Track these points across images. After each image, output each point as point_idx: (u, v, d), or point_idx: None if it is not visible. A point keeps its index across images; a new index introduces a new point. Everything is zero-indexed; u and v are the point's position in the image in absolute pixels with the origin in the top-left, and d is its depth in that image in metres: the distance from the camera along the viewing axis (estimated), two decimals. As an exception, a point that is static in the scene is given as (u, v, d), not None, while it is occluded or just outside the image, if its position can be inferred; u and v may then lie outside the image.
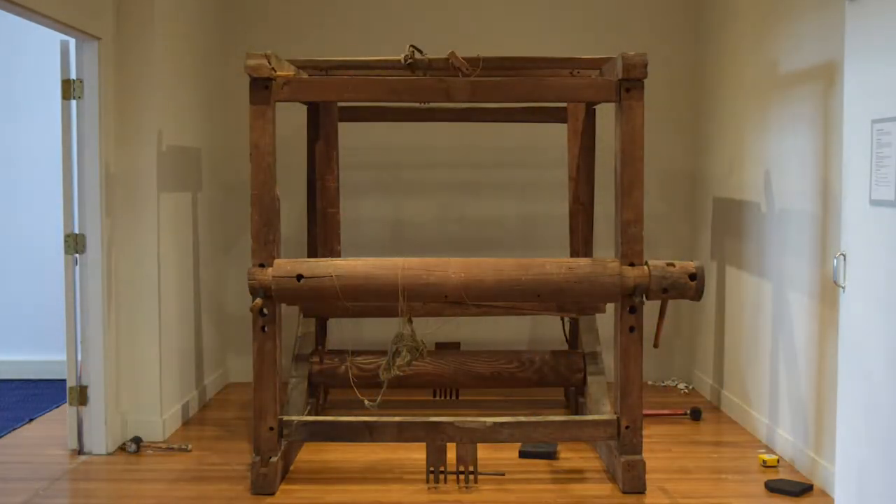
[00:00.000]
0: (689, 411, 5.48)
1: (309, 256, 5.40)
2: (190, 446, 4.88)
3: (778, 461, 4.62)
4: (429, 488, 4.28)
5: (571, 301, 4.94)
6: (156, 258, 4.97)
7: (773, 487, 4.27)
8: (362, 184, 6.27)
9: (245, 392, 5.84)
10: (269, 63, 4.15)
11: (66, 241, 4.75)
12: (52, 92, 4.97)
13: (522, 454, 4.70)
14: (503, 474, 4.46)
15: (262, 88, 4.17)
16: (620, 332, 4.21)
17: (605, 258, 4.33)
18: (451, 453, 4.32)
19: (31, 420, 5.47)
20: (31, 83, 6.53)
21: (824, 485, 4.24)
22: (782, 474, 4.47)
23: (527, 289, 4.18)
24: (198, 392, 5.71)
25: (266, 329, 4.20)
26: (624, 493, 4.22)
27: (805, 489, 4.24)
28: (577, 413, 5.32)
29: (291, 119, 5.59)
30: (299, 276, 4.17)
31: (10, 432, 5.23)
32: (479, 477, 4.33)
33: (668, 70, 6.16)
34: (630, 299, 4.17)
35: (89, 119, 4.71)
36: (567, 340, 5.59)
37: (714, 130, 5.93)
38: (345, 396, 5.27)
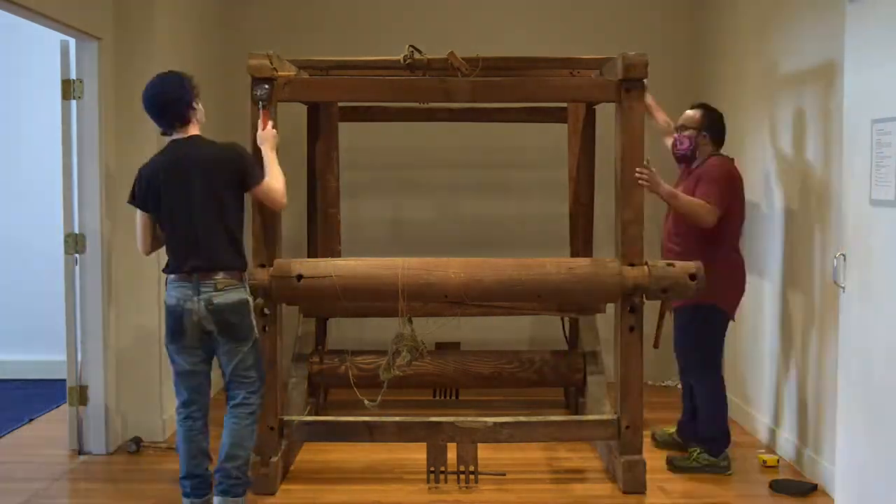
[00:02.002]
0: (689, 411, 5.47)
1: (309, 256, 5.39)
2: (190, 446, 4.87)
3: (778, 461, 4.62)
4: (429, 488, 4.28)
5: (571, 301, 4.94)
6: (156, 258, 4.96)
7: (778, 487, 4.27)
8: (362, 184, 6.27)
9: (245, 392, 5.83)
10: (271, 63, 4.15)
11: (66, 241, 4.74)
12: (52, 92, 4.96)
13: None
14: (503, 474, 4.46)
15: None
16: (620, 331, 4.20)
17: (605, 258, 4.32)
18: (452, 453, 4.31)
19: (31, 420, 5.46)
20: (30, 83, 6.52)
21: (825, 485, 4.24)
22: (783, 474, 4.47)
23: (527, 289, 4.17)
24: (198, 392, 5.69)
25: (266, 329, 4.20)
26: (624, 493, 4.21)
27: (810, 489, 4.24)
28: (577, 413, 5.32)
29: (291, 119, 5.58)
30: (299, 276, 4.16)
31: (10, 432, 5.23)
32: (480, 477, 4.33)
33: (669, 70, 6.15)
34: (630, 299, 4.16)
35: (89, 119, 4.71)
36: (567, 340, 5.58)
37: (714, 130, 5.92)
38: (345, 396, 5.26)
